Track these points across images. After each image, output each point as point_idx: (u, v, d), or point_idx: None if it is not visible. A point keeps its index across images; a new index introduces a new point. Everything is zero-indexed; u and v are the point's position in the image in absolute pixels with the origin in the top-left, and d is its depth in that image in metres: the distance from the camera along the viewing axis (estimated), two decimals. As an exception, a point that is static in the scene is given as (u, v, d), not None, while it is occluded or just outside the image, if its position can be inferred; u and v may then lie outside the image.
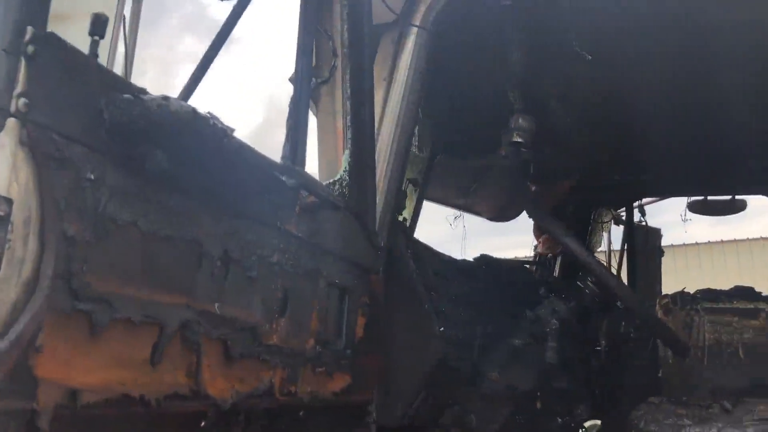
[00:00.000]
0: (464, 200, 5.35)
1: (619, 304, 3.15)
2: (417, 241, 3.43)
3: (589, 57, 2.92)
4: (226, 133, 1.38)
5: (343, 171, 2.43)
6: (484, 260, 3.96)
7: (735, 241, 17.96)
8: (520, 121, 2.97)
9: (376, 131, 2.70)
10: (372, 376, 2.43)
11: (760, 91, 4.05)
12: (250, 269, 1.68)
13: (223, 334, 1.56)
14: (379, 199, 2.66)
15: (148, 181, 1.32)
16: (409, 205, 4.21)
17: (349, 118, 2.50)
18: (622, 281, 2.78)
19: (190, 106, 1.29)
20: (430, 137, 4.06)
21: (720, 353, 3.81)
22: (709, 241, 18.01)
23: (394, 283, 2.66)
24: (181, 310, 1.44)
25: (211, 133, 1.34)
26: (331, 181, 2.40)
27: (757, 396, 3.12)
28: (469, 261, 3.94)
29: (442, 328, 2.94)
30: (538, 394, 3.06)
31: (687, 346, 2.95)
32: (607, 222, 5.45)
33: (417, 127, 3.62)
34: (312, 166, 2.55)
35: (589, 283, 2.97)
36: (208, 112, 1.39)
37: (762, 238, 17.38)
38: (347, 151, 2.47)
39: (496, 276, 3.82)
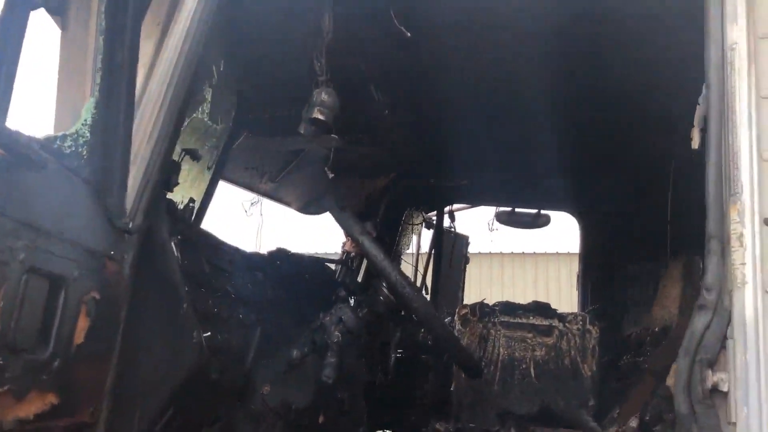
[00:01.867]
0: (272, 187, 4.88)
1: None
2: (195, 227, 2.91)
3: (408, 34, 2.59)
4: None
5: (82, 124, 1.87)
6: (280, 254, 3.53)
7: (535, 254, 19.21)
8: (324, 95, 2.57)
9: (142, 84, 2.16)
10: (94, 393, 1.88)
11: (561, 110, 4.09)
12: None
13: None
14: (137, 168, 2.12)
15: None
16: (200, 185, 3.66)
17: (100, 58, 1.93)
18: (419, 292, 2.48)
19: None
20: (230, 108, 3.55)
21: (512, 370, 3.71)
22: (512, 252, 19.08)
23: (148, 275, 2.14)
24: None
25: None
26: (62, 134, 1.82)
27: (543, 423, 3.02)
28: (261, 254, 3.49)
29: (208, 333, 2.46)
30: (316, 411, 2.68)
31: (480, 367, 2.75)
32: (417, 224, 5.27)
33: (211, 93, 3.12)
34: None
35: (383, 289, 2.65)
36: None
37: (558, 253, 18.77)
38: (92, 100, 1.91)
39: (291, 273, 3.40)
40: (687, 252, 4.06)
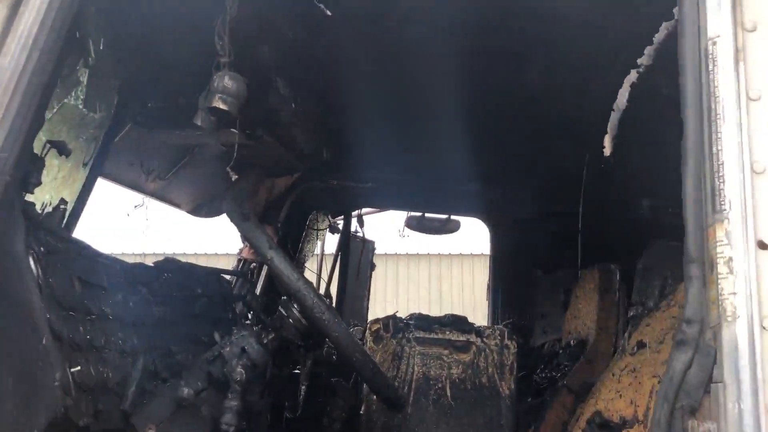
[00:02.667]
0: (160, 186, 4.36)
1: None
2: (64, 235, 2.42)
3: (329, 13, 2.24)
4: None
5: None
6: (168, 266, 3.07)
7: (429, 255, 19.32)
8: (227, 80, 2.16)
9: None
10: None
11: (474, 113, 3.95)
12: None
13: None
14: (-19, 163, 1.65)
15: None
16: (73, 184, 3.14)
17: None
18: (339, 318, 2.13)
19: None
20: (111, 95, 3.04)
21: (428, 391, 3.43)
22: (407, 253, 19.09)
23: (-4, 301, 1.68)
24: None
25: None
26: None
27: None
28: (146, 266, 3.02)
29: (77, 368, 2.00)
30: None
31: (403, 400, 2.44)
32: (323, 230, 4.92)
33: (87, 75, 2.63)
34: None
35: (294, 311, 2.28)
36: None
37: (450, 254, 19.02)
38: None
39: (181, 287, 2.96)
40: (602, 262, 3.97)
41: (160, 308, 2.73)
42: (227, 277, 3.58)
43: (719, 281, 1.35)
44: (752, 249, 1.33)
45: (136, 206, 3.68)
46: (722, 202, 1.37)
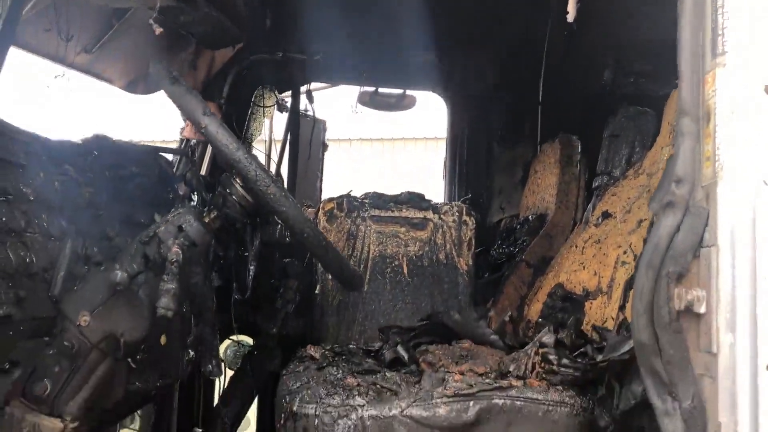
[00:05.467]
0: (87, 59, 3.96)
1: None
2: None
3: None
4: None
5: None
6: (98, 143, 2.79)
7: (394, 139, 19.00)
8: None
9: None
10: None
11: None
12: None
13: None
14: None
15: None
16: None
17: None
18: (286, 191, 1.94)
19: None
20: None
21: (384, 270, 3.33)
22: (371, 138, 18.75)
23: None
24: None
25: None
26: None
27: (429, 335, 2.69)
28: (72, 143, 2.73)
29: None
30: (154, 340, 2.12)
31: (362, 280, 2.30)
32: (270, 107, 4.61)
33: None
34: None
35: (237, 186, 2.07)
36: None
37: (415, 138, 18.73)
38: None
39: (114, 167, 2.70)
40: (562, 134, 3.82)
41: (89, 189, 2.48)
42: (168, 156, 3.31)
43: (716, 134, 1.18)
44: (759, 95, 1.16)
45: (56, 76, 3.30)
46: (725, 43, 1.18)
